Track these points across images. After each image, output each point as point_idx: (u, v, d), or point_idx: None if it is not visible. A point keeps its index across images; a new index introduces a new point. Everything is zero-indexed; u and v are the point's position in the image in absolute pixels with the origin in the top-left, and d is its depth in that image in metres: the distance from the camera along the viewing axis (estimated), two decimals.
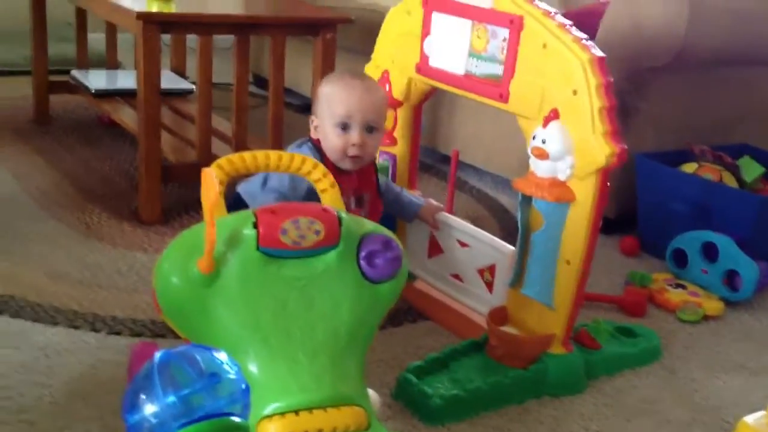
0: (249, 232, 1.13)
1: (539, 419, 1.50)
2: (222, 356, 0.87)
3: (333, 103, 1.57)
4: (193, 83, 2.78)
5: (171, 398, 0.82)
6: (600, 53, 1.44)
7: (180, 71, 3.07)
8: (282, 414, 1.07)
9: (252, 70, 2.78)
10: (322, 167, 1.29)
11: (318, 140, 1.60)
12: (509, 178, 2.56)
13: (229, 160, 1.24)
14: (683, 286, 2.04)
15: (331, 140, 1.57)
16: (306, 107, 3.30)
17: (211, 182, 1.13)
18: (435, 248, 1.85)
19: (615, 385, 1.64)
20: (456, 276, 1.80)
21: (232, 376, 0.83)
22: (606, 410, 1.55)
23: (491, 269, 1.70)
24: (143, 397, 0.85)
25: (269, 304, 1.13)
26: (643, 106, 2.27)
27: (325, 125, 1.58)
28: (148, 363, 0.87)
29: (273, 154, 1.27)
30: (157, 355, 0.86)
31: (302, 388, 1.09)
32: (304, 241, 1.14)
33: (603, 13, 2.24)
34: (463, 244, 1.77)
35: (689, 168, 2.24)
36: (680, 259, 2.13)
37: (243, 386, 0.84)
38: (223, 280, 1.12)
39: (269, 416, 1.06)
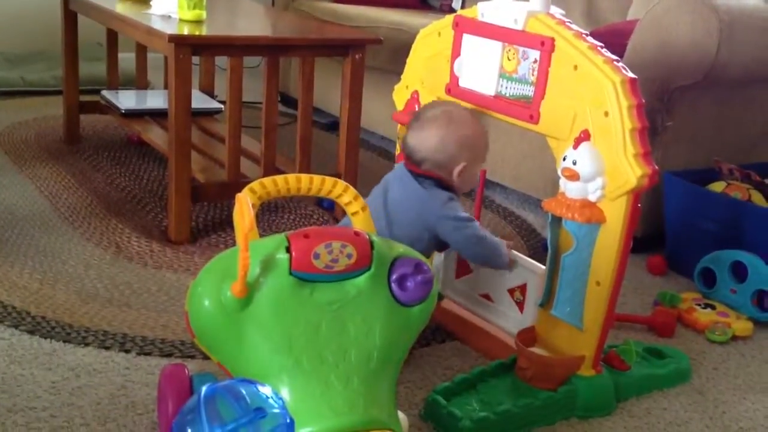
0: (282, 256, 1.14)
1: None
2: (267, 390, 0.88)
3: (480, 148, 1.69)
4: (222, 102, 2.81)
5: None
6: (632, 75, 1.44)
7: (208, 90, 3.09)
8: None
9: (279, 88, 2.79)
10: (352, 190, 1.30)
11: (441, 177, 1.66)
12: (536, 196, 2.56)
13: (261, 184, 1.25)
14: (712, 306, 2.03)
15: (475, 181, 1.74)
16: (333, 126, 3.33)
17: (245, 207, 1.14)
18: (463, 268, 1.85)
19: (644, 407, 1.63)
20: (485, 296, 1.80)
21: (276, 411, 0.84)
22: None
23: (522, 289, 1.70)
24: (189, 430, 0.85)
25: (302, 328, 1.13)
26: (672, 125, 2.26)
27: (474, 168, 1.68)
28: (194, 396, 0.87)
29: (304, 177, 1.29)
30: (204, 389, 0.87)
31: (335, 412, 1.09)
32: (337, 265, 1.15)
33: (631, 32, 2.24)
34: None
35: (717, 187, 2.23)
36: (708, 278, 2.12)
37: (287, 420, 0.84)
38: (256, 304, 1.13)
39: None
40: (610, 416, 1.58)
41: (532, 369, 1.57)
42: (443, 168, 1.65)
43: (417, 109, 1.79)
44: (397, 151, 1.88)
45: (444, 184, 1.65)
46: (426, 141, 1.63)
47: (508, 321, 1.74)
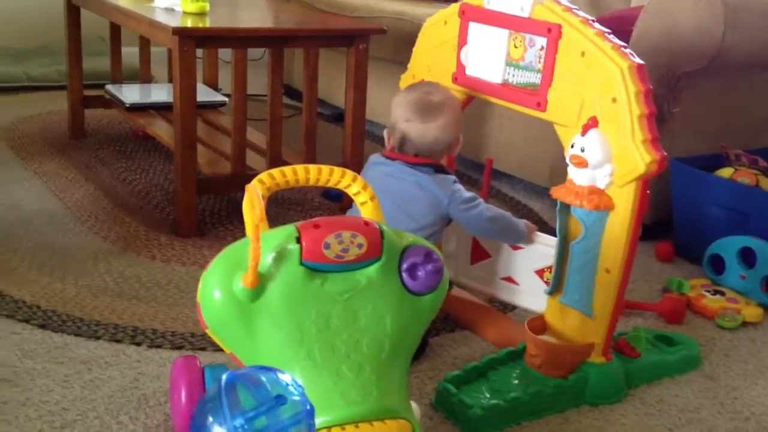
0: (292, 246, 1.14)
1: (580, 429, 1.50)
2: (286, 378, 0.88)
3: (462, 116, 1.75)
4: (226, 95, 2.81)
5: (238, 420, 0.83)
6: (639, 60, 1.43)
7: (212, 83, 3.09)
8: (328, 428, 1.07)
9: (283, 80, 2.79)
10: (361, 180, 1.30)
11: None
12: (542, 185, 2.56)
13: (270, 175, 1.25)
14: (721, 293, 2.03)
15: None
16: (338, 117, 3.32)
17: (256, 198, 1.15)
18: (479, 254, 1.85)
19: (655, 394, 1.63)
20: (508, 279, 1.81)
21: (296, 398, 0.84)
22: (648, 420, 1.54)
23: (552, 269, 1.68)
24: (211, 419, 0.86)
25: (313, 318, 1.14)
26: (678, 111, 2.25)
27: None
28: (215, 384, 0.87)
29: (313, 168, 1.28)
30: (224, 376, 0.87)
31: (348, 401, 1.10)
32: (347, 255, 1.15)
33: (636, 18, 2.23)
34: (515, 247, 1.78)
35: (725, 173, 2.22)
36: (717, 264, 2.11)
37: (308, 407, 0.85)
38: (267, 294, 1.13)
39: (316, 430, 1.06)
40: (621, 403, 1.58)
41: (541, 356, 1.57)
42: (444, 151, 1.70)
43: (405, 99, 1.70)
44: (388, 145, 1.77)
45: (439, 167, 1.69)
46: (431, 131, 1.66)
47: (537, 302, 1.72)
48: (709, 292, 2.02)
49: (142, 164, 2.73)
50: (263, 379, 0.86)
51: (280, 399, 0.83)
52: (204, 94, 2.88)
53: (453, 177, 1.69)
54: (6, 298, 1.78)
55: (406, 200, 1.64)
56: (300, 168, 1.28)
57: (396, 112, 1.69)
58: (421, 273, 1.21)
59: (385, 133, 1.73)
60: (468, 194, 1.68)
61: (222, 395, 0.83)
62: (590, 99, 1.48)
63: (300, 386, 0.88)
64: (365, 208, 1.30)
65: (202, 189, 2.21)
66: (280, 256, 1.14)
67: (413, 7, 3.08)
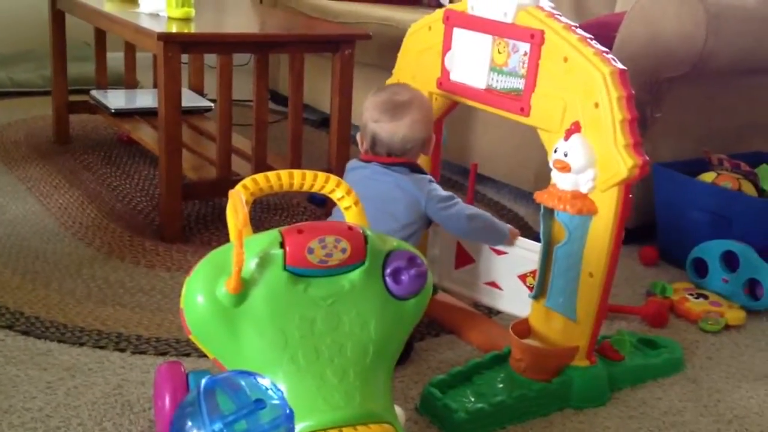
0: (276, 251, 1.14)
1: None
2: (266, 382, 0.88)
3: (432, 113, 1.77)
4: (212, 101, 2.81)
5: (217, 425, 0.83)
6: (621, 66, 1.45)
7: (198, 89, 3.09)
8: None
9: (269, 86, 2.80)
10: (345, 185, 1.30)
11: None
12: (527, 190, 2.57)
13: (254, 180, 1.25)
14: (704, 296, 2.04)
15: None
16: (323, 123, 3.33)
17: (239, 203, 1.15)
18: (464, 259, 1.85)
19: (639, 397, 1.63)
20: (492, 284, 1.81)
21: (275, 402, 0.84)
22: (631, 423, 1.55)
23: (534, 274, 1.69)
24: (189, 423, 0.85)
25: (297, 323, 1.13)
26: (660, 116, 2.27)
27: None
28: (194, 389, 0.87)
29: (297, 173, 1.29)
30: (203, 381, 0.87)
31: (331, 406, 1.10)
32: (331, 260, 1.15)
33: (619, 24, 2.24)
34: (498, 252, 1.78)
35: (708, 177, 2.23)
36: (700, 268, 2.13)
37: (287, 411, 0.85)
38: (251, 300, 1.13)
39: None
40: (605, 406, 1.59)
41: (526, 360, 1.57)
42: (417, 149, 1.71)
43: (373, 102, 1.72)
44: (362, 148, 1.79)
45: (415, 167, 1.70)
46: (400, 130, 1.67)
47: (520, 306, 1.73)
48: (692, 295, 2.04)
49: (127, 170, 2.72)
50: (242, 383, 0.86)
51: (260, 403, 0.83)
52: (189, 99, 2.88)
53: (428, 176, 1.70)
54: None
55: (386, 201, 1.65)
56: (284, 173, 1.28)
57: (365, 114, 1.70)
58: (404, 277, 1.21)
59: (357, 137, 1.75)
60: (444, 193, 1.69)
61: (201, 400, 0.83)
62: (573, 104, 1.49)
63: (279, 390, 0.88)
64: (349, 212, 1.30)
65: (187, 194, 2.21)
66: (264, 261, 1.14)
67: (399, 12, 3.09)
